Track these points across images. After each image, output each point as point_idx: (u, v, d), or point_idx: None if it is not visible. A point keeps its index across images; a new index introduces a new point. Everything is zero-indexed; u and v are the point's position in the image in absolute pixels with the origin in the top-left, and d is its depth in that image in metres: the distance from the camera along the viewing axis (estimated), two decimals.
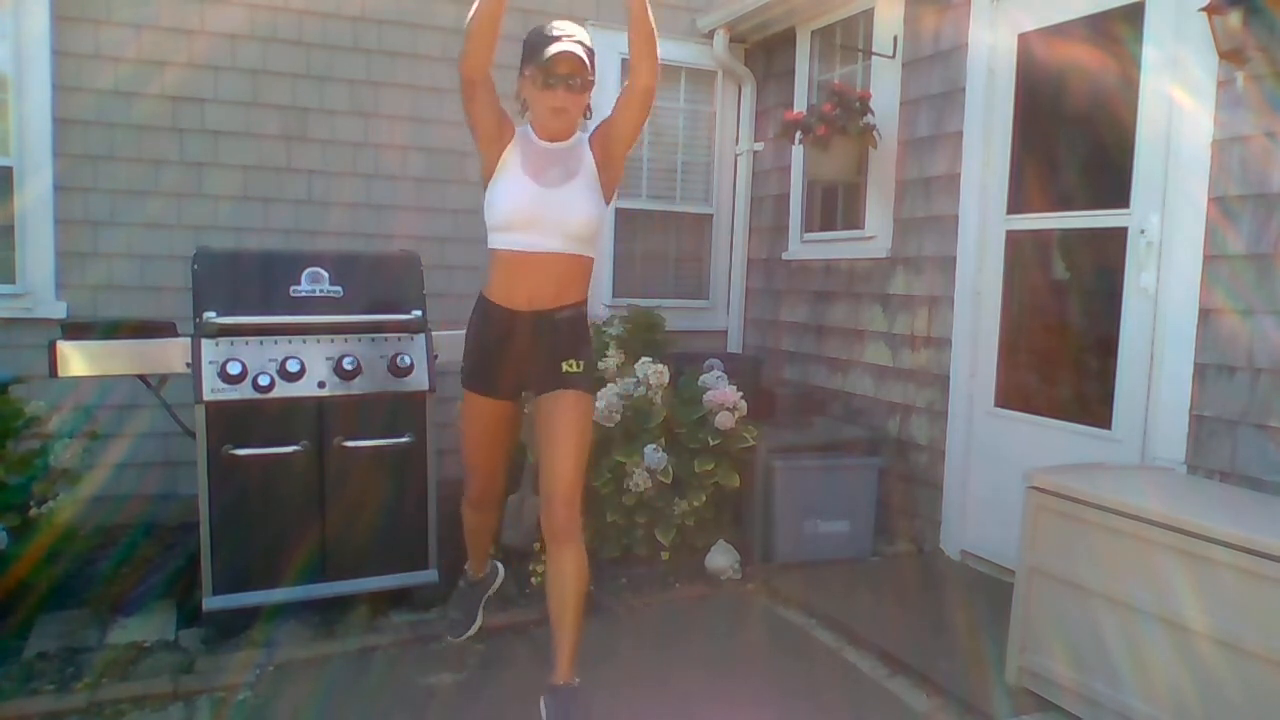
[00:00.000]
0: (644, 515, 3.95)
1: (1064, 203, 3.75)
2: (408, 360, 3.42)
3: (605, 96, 5.27)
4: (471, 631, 3.04)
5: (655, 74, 2.45)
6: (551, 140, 2.56)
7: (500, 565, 3.23)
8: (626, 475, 3.85)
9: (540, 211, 2.52)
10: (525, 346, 2.61)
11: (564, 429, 2.56)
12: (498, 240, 2.60)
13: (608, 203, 2.69)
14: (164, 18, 4.41)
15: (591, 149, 2.62)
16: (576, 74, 2.43)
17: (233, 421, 3.20)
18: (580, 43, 2.44)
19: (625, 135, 2.59)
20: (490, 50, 2.41)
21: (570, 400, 2.60)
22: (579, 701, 2.47)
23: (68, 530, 3.42)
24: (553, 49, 2.38)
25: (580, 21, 5.64)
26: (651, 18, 2.42)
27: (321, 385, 3.31)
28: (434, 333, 3.52)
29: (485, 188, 2.61)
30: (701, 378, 4.20)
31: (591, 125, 2.66)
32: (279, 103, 4.65)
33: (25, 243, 4.24)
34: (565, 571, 2.50)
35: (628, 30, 2.42)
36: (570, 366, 2.60)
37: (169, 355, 3.28)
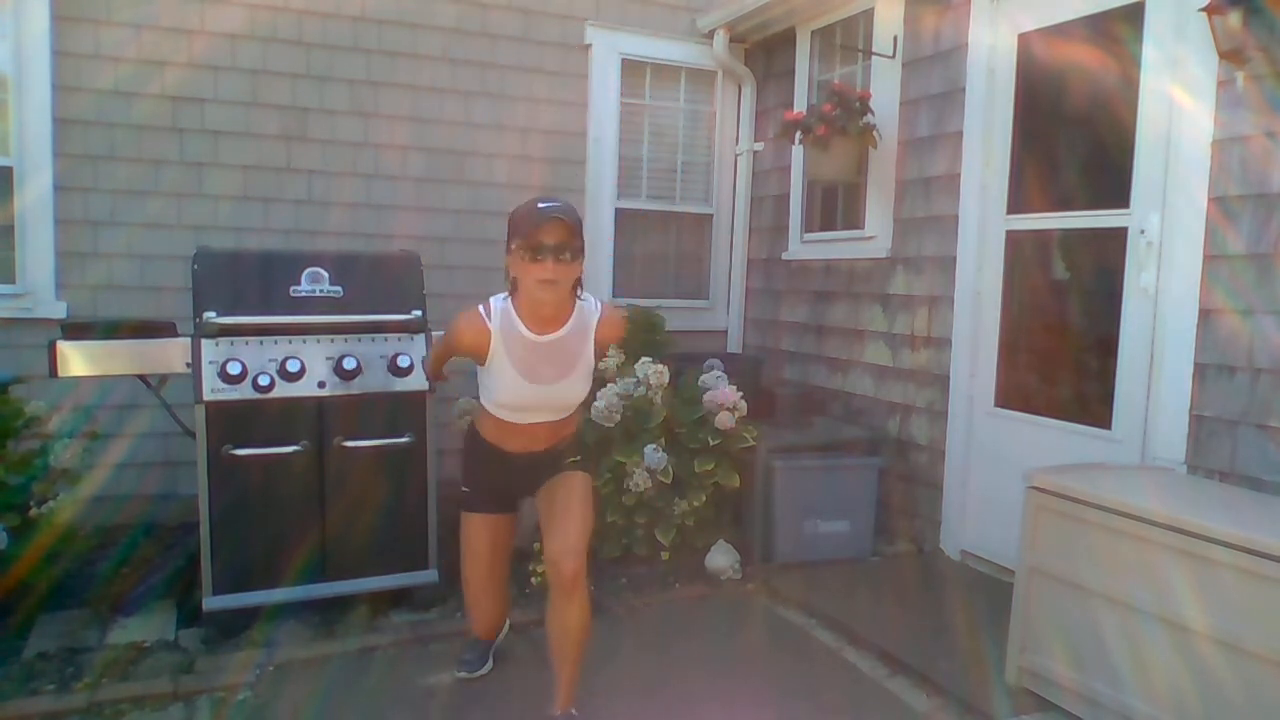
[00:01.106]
0: (644, 515, 3.95)
1: (1064, 203, 3.75)
2: (408, 360, 3.42)
3: (606, 98, 5.31)
4: (482, 672, 3.07)
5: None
6: (541, 330, 2.49)
7: (507, 620, 3.27)
8: (626, 475, 3.84)
9: (536, 402, 2.57)
10: (524, 473, 2.72)
11: (569, 498, 2.65)
12: (489, 406, 2.64)
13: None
14: (164, 18, 4.41)
15: (596, 340, 2.59)
16: (565, 244, 2.36)
17: (233, 421, 3.20)
18: (567, 212, 2.39)
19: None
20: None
21: (574, 477, 2.71)
22: None
23: (68, 530, 3.42)
24: (539, 220, 2.35)
25: (580, 21, 5.68)
26: None
27: (321, 385, 3.31)
28: (434, 333, 3.52)
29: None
30: (701, 378, 4.20)
31: (596, 316, 2.60)
32: (279, 103, 4.65)
33: (25, 243, 4.23)
34: (570, 623, 2.58)
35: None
36: (572, 461, 2.73)
37: (169, 355, 3.28)
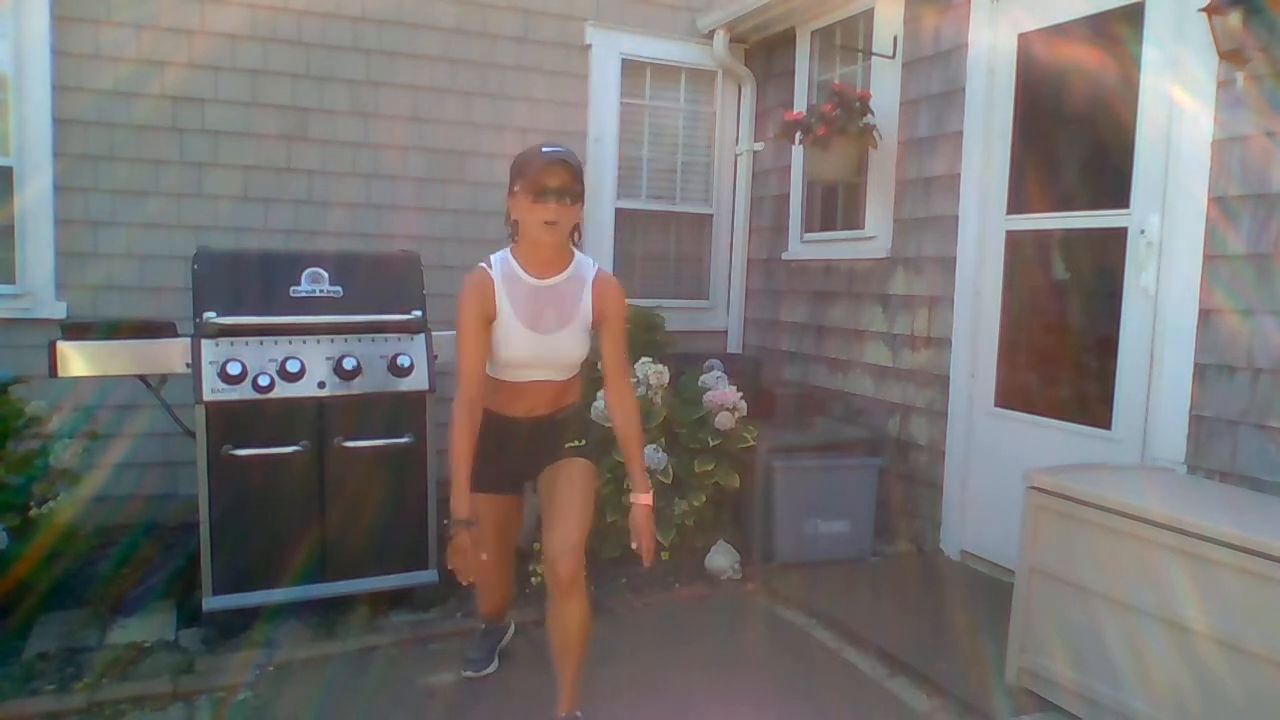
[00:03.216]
0: None
1: (1064, 203, 3.75)
2: (408, 360, 3.42)
3: (606, 98, 5.30)
4: (488, 671, 3.08)
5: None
6: (542, 274, 2.53)
7: (512, 622, 3.28)
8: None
9: (538, 355, 2.57)
10: (528, 442, 2.71)
11: (567, 489, 2.64)
12: (494, 370, 2.63)
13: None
14: (164, 18, 4.41)
15: (592, 297, 2.59)
16: (567, 187, 2.43)
17: (233, 422, 3.20)
18: (571, 157, 2.46)
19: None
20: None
21: (575, 466, 2.69)
22: None
23: (68, 530, 3.42)
24: (543, 163, 2.41)
25: (580, 21, 5.69)
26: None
27: (321, 385, 3.31)
28: (434, 333, 3.52)
29: None
30: (701, 378, 4.20)
31: (592, 272, 2.61)
32: (279, 103, 4.65)
33: (25, 243, 4.23)
34: (569, 623, 2.58)
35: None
36: (574, 443, 2.71)
37: (169, 355, 3.28)
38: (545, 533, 2.63)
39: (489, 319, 2.52)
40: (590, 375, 2.98)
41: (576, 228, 2.55)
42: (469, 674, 3.04)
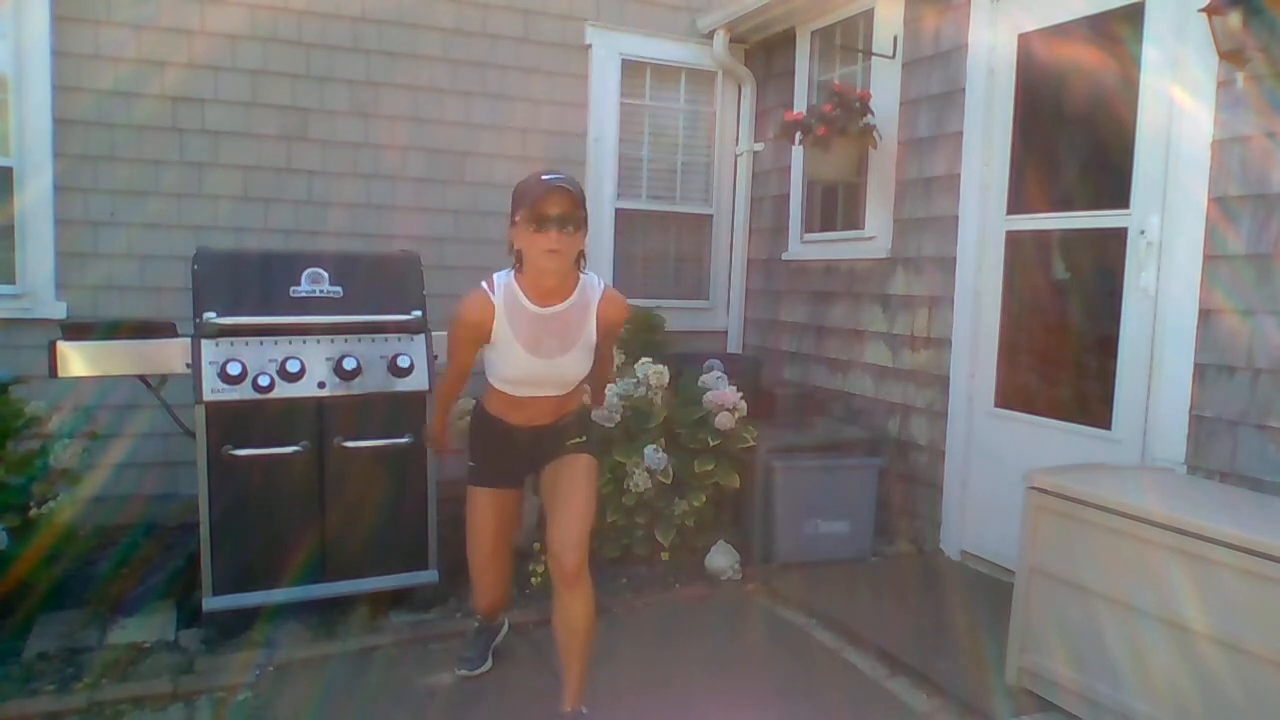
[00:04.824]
0: (644, 515, 3.95)
1: (1064, 203, 3.75)
2: (408, 360, 3.42)
3: (606, 99, 5.31)
4: (482, 670, 3.09)
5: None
6: (544, 302, 2.51)
7: (506, 620, 3.29)
8: (626, 475, 3.85)
9: (538, 376, 2.58)
10: (529, 446, 2.72)
11: (570, 485, 2.65)
12: (494, 381, 2.65)
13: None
14: (164, 18, 4.41)
15: (598, 319, 2.59)
16: (569, 215, 2.40)
17: (233, 422, 3.20)
18: (571, 184, 2.43)
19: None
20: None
21: (578, 461, 2.69)
22: None
23: (68, 530, 3.41)
24: (543, 192, 2.39)
25: (580, 21, 5.69)
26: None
27: (321, 385, 3.31)
28: (434, 333, 3.52)
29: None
30: (701, 378, 4.20)
31: (599, 293, 2.59)
32: (279, 103, 4.65)
33: (25, 243, 4.23)
34: (575, 617, 2.57)
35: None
36: (575, 440, 2.72)
37: (169, 355, 3.28)
38: (550, 527, 2.63)
39: (481, 341, 2.54)
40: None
41: (581, 254, 2.51)
42: (464, 672, 3.05)
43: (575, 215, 2.41)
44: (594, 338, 2.59)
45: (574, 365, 2.59)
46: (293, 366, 3.26)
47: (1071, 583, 2.71)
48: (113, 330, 3.30)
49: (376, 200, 4.87)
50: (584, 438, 2.74)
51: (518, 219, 2.43)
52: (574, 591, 2.56)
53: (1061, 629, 2.74)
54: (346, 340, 3.38)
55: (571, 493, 2.64)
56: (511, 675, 3.07)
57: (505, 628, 3.24)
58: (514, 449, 2.73)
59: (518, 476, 2.83)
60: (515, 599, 3.57)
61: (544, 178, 2.41)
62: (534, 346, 2.51)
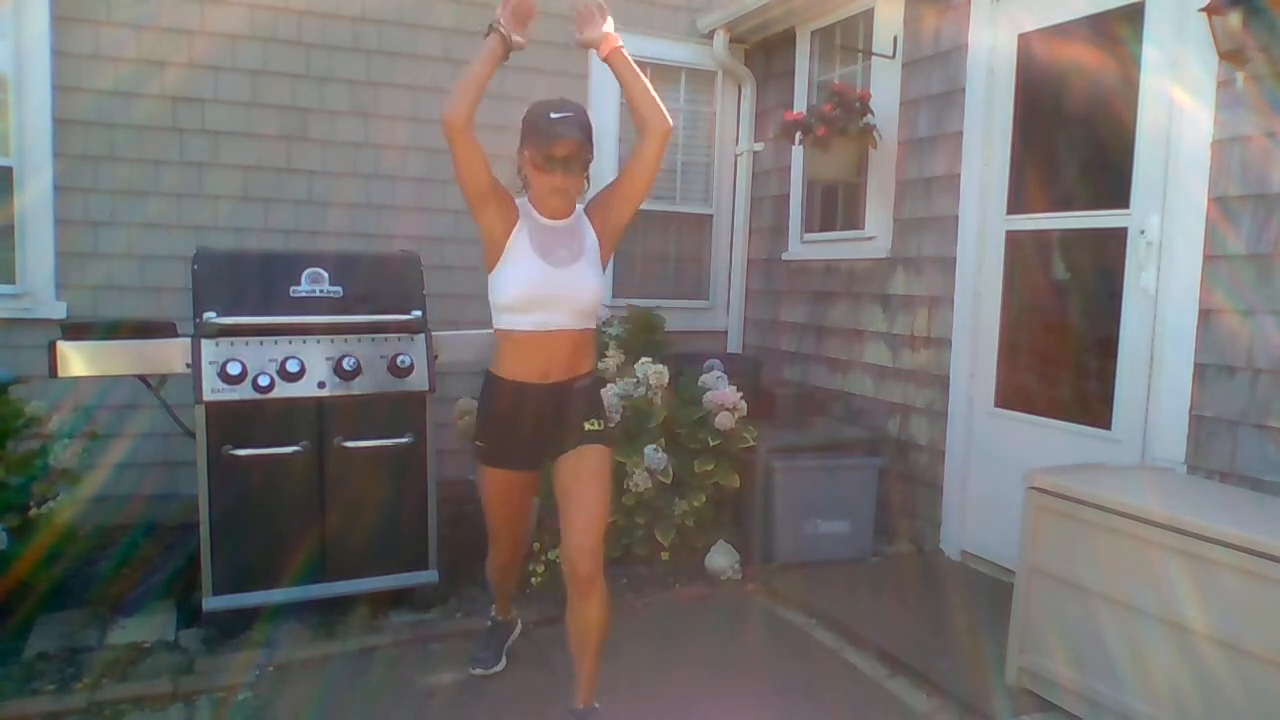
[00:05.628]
0: (644, 515, 3.95)
1: (1064, 203, 3.75)
2: (408, 360, 3.42)
3: (606, 99, 5.30)
4: (497, 669, 3.08)
5: (666, 116, 2.49)
6: (553, 217, 2.59)
7: (519, 619, 3.27)
8: (626, 475, 3.84)
9: (552, 291, 2.54)
10: (543, 415, 2.61)
11: (586, 483, 2.58)
12: (507, 321, 2.59)
13: (604, 270, 2.72)
14: (164, 18, 4.41)
15: (591, 222, 2.64)
16: (574, 157, 2.47)
17: (233, 422, 3.20)
18: (579, 123, 2.46)
19: (634, 197, 2.63)
20: (474, 104, 2.46)
21: (593, 455, 2.61)
22: None
23: (68, 530, 3.41)
24: (551, 132, 2.41)
25: None
26: (635, 67, 2.51)
27: (321, 385, 3.31)
28: (434, 333, 3.52)
29: (489, 269, 2.60)
30: (701, 378, 4.20)
31: (588, 194, 2.67)
32: (279, 103, 4.65)
33: (25, 243, 4.23)
34: (590, 618, 2.56)
35: (624, 94, 2.51)
36: (592, 425, 2.63)
37: (169, 355, 3.27)
38: (564, 528, 2.56)
39: (502, 199, 2.52)
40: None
41: (585, 180, 2.59)
42: (478, 671, 3.03)
43: (581, 155, 2.48)
44: (597, 245, 2.62)
45: (587, 275, 2.57)
46: (293, 366, 3.26)
47: (1071, 583, 2.71)
48: (113, 330, 3.30)
49: (376, 200, 4.87)
50: (600, 424, 2.65)
51: (525, 150, 2.49)
52: (588, 598, 2.52)
53: (1061, 629, 2.74)
54: (346, 340, 3.38)
55: (587, 493, 2.56)
56: (512, 675, 3.06)
57: (519, 627, 3.23)
58: (524, 422, 2.61)
59: (527, 459, 2.71)
60: (515, 599, 3.57)
61: (552, 115, 2.44)
62: (545, 251, 2.54)
